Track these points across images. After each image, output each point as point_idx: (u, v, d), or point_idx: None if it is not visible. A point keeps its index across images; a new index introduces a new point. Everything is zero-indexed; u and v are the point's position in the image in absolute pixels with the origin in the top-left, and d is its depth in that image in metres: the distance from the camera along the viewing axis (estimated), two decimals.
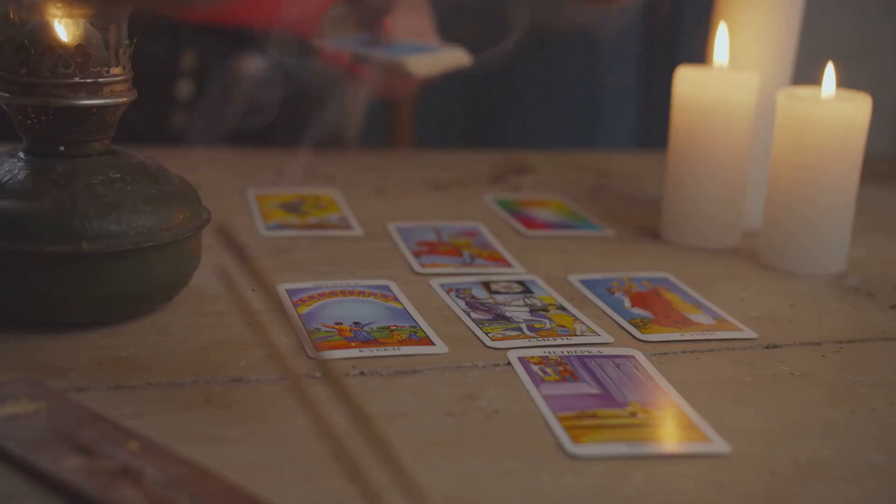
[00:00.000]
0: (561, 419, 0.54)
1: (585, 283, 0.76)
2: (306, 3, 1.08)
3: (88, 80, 0.61)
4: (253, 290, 0.66)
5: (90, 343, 0.60)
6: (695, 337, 0.67)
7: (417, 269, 0.76)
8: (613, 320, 0.69)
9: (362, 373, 0.59)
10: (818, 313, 0.73)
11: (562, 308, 0.70)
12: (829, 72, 0.80)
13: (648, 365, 0.62)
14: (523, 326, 0.66)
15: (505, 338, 0.64)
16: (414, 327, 0.65)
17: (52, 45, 0.60)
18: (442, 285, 0.73)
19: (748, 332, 0.68)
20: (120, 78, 0.62)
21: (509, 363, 0.61)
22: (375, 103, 1.54)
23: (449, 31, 1.11)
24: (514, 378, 0.59)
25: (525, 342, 0.64)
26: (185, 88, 1.09)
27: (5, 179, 0.60)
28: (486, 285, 0.74)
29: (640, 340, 0.66)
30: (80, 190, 0.60)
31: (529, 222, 0.90)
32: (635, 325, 0.68)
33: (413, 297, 0.71)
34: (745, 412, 0.57)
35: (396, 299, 0.70)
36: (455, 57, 1.02)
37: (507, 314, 0.68)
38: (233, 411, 0.54)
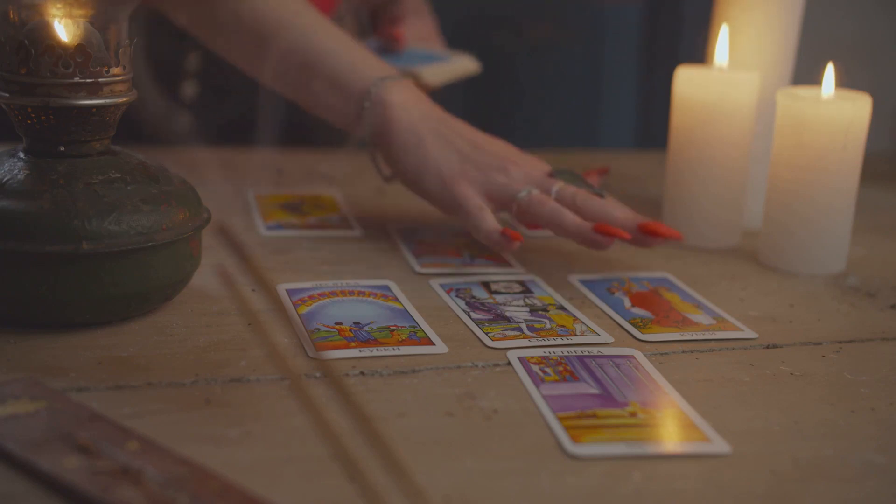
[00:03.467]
0: (561, 419, 0.54)
1: (585, 283, 0.76)
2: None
3: (88, 80, 0.61)
4: (253, 290, 0.67)
5: (90, 343, 0.60)
6: (695, 337, 0.67)
7: (417, 269, 0.76)
8: (613, 320, 0.69)
9: (362, 373, 0.59)
10: (818, 313, 0.73)
11: (562, 308, 0.70)
12: (829, 72, 0.81)
13: (648, 365, 0.62)
14: (523, 326, 0.66)
15: (505, 338, 0.64)
16: (414, 327, 0.65)
17: (52, 45, 0.60)
18: (442, 285, 0.73)
19: (748, 332, 0.68)
20: (120, 78, 0.62)
21: (509, 363, 0.61)
22: None
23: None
24: (514, 378, 0.59)
25: (525, 342, 0.64)
26: (189, 89, 1.09)
27: (5, 179, 0.60)
28: (486, 285, 0.73)
29: (640, 340, 0.66)
30: (80, 190, 0.60)
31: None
32: (635, 325, 0.68)
33: (413, 297, 0.71)
34: (745, 412, 0.57)
35: (396, 299, 0.70)
36: (466, 65, 1.02)
37: (507, 314, 0.68)
38: (233, 411, 0.54)
